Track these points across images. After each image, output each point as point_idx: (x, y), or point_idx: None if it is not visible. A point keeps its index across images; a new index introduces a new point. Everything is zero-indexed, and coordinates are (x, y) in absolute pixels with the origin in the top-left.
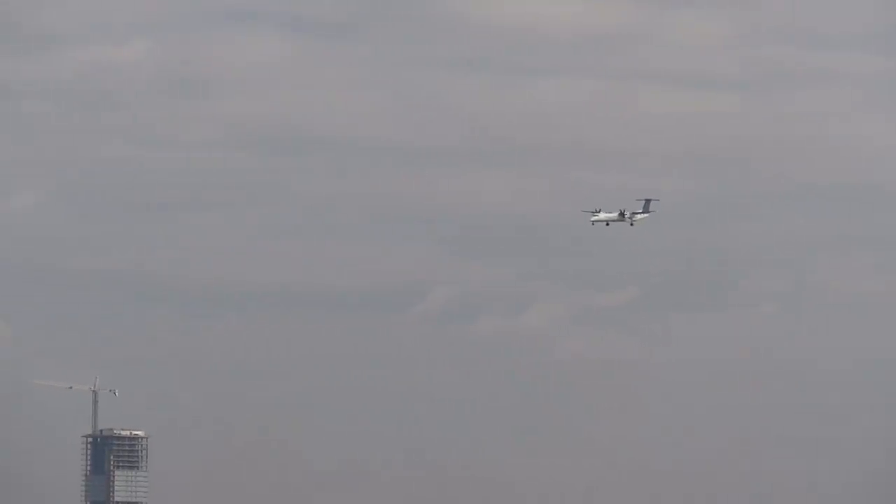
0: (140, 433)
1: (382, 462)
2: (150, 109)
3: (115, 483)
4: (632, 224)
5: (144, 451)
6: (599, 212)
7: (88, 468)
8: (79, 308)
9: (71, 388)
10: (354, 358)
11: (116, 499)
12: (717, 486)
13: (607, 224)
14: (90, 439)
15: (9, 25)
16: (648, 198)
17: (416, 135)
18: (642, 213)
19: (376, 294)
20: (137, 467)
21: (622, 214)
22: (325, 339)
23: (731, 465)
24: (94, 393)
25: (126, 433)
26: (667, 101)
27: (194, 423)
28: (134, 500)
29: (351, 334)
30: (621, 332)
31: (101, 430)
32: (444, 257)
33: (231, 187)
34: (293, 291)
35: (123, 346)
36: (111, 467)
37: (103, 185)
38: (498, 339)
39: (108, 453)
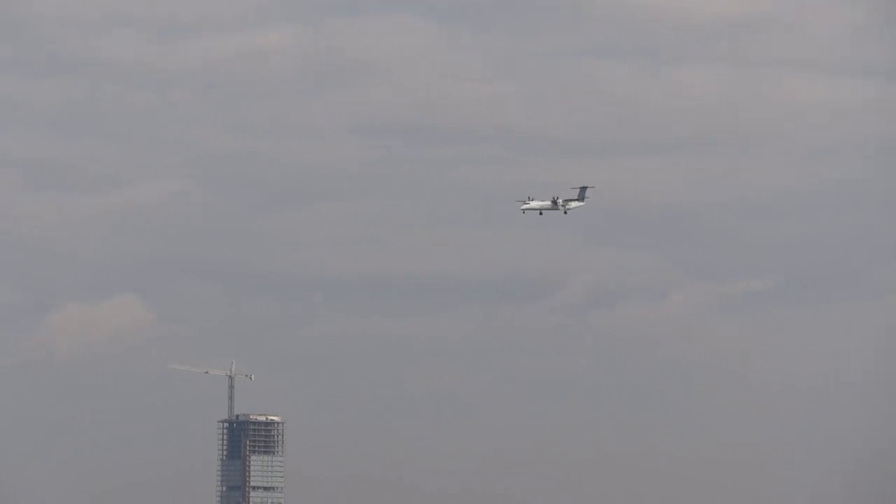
0: (276, 418)
1: (521, 450)
2: (293, 98)
3: (251, 468)
4: (565, 212)
5: (280, 436)
6: (532, 200)
7: (224, 453)
8: (217, 295)
9: (207, 372)
10: (494, 347)
11: (252, 483)
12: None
13: (540, 213)
14: (226, 424)
15: (151, 15)
16: (584, 185)
17: (560, 123)
18: (577, 200)
19: (517, 282)
20: (273, 452)
21: (554, 202)
22: (464, 328)
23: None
24: (231, 378)
25: (262, 418)
26: (813, 89)
27: (330, 409)
28: (269, 484)
29: (490, 323)
30: (762, 320)
31: (237, 415)
32: (585, 245)
33: (374, 177)
34: (433, 280)
35: (259, 331)
36: (247, 452)
37: (244, 175)
38: (638, 327)
39: (244, 438)
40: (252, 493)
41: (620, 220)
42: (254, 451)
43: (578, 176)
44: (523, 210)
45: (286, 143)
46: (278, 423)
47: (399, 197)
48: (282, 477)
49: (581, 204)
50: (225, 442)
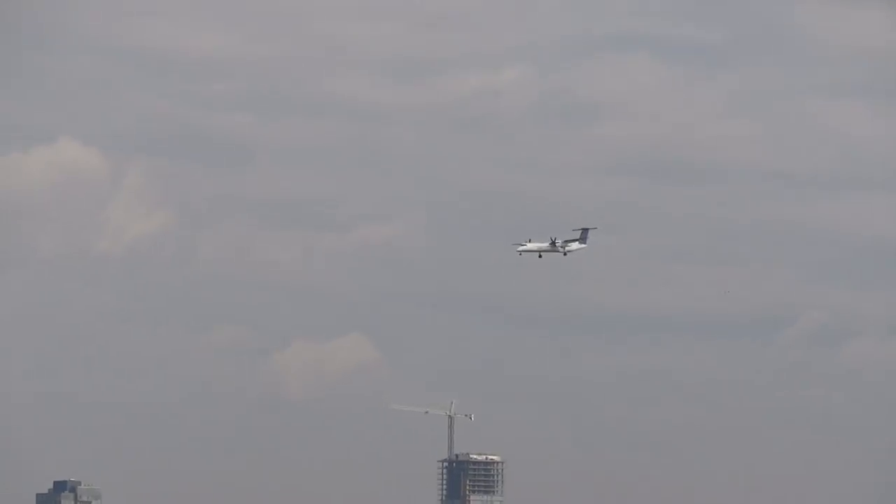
0: (496, 458)
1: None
2: (529, 135)
3: None
4: (564, 254)
5: (500, 476)
6: (530, 241)
7: (444, 492)
8: (441, 333)
9: (427, 412)
10: (726, 384)
11: None
12: None
13: (540, 255)
14: (446, 464)
15: (385, 56)
16: (586, 227)
17: (792, 160)
18: (577, 241)
19: (749, 319)
20: (493, 492)
21: (553, 243)
22: (698, 364)
23: None
24: (450, 418)
25: (481, 458)
26: None
27: (551, 449)
28: None
29: (723, 360)
30: None
31: (457, 455)
32: (816, 282)
33: (613, 213)
34: (667, 316)
35: (480, 370)
36: (466, 492)
37: (477, 211)
38: (865, 365)
39: (464, 478)
40: None
41: (851, 256)
42: (473, 491)
43: (806, 211)
44: (520, 252)
45: (523, 179)
46: (498, 462)
47: (636, 233)
48: None
49: (583, 246)
50: (445, 482)
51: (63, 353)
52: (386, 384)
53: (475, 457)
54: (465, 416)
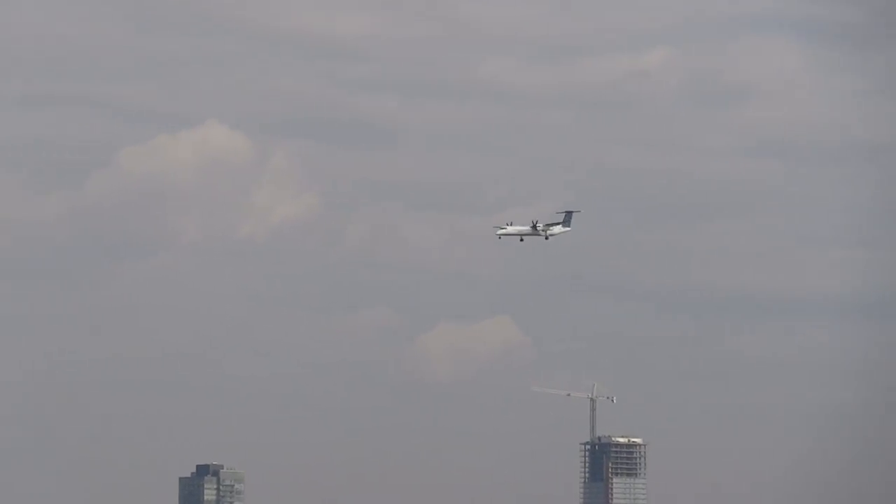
0: (638, 440)
1: None
2: (675, 117)
3: (613, 490)
4: (546, 238)
5: (642, 459)
6: (510, 225)
7: (587, 475)
8: (586, 315)
9: (569, 395)
10: (875, 364)
11: None
12: None
13: (521, 239)
14: (588, 446)
15: (531, 38)
16: (570, 210)
17: None
18: (561, 225)
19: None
20: (635, 474)
21: (534, 227)
22: (843, 345)
23: None
24: (592, 400)
25: (623, 440)
26: None
27: (691, 431)
28: None
29: (873, 340)
30: None
31: (599, 438)
32: None
33: (753, 195)
34: (813, 298)
35: (623, 353)
36: (609, 474)
37: (622, 193)
38: None
39: (606, 460)
40: None
41: None
42: (616, 474)
43: None
44: (499, 236)
45: (674, 160)
46: (640, 444)
47: (780, 215)
48: (644, 499)
49: (567, 229)
50: (587, 464)
51: (207, 337)
52: (530, 367)
53: (618, 439)
54: (607, 398)
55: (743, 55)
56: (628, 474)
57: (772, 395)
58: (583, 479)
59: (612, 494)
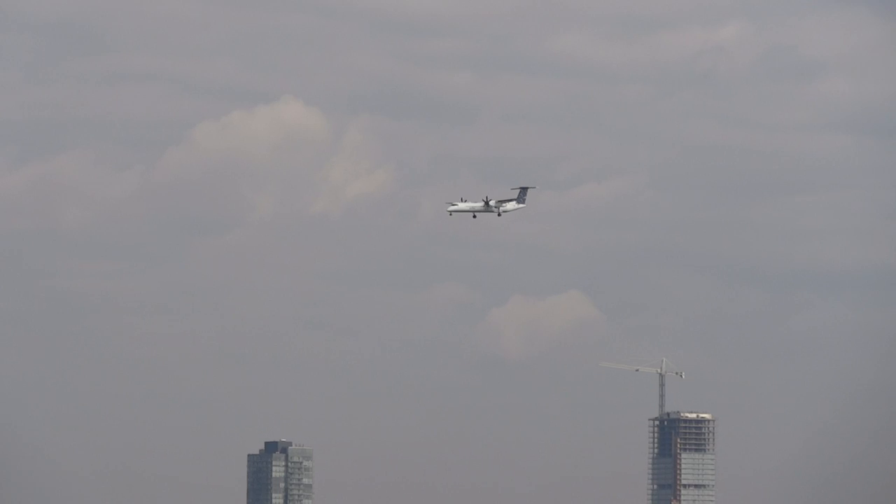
0: (707, 416)
1: None
2: (751, 92)
3: (682, 466)
4: (499, 214)
5: (711, 434)
6: (464, 201)
7: (655, 450)
8: (659, 290)
9: (638, 370)
10: None
11: (683, 481)
12: None
13: (474, 216)
14: (657, 422)
15: (606, 14)
16: (525, 185)
17: None
18: (514, 201)
19: None
20: (704, 450)
21: (487, 204)
22: None
23: None
24: (661, 376)
25: (692, 416)
26: None
27: (760, 406)
28: (700, 482)
29: None
30: None
31: (668, 413)
32: None
33: (827, 170)
34: (878, 273)
35: (692, 328)
36: (677, 450)
37: (695, 169)
38: None
39: (675, 436)
40: (683, 491)
41: None
42: (685, 450)
43: None
44: (450, 212)
45: (748, 135)
46: (709, 420)
47: (853, 189)
48: (713, 475)
49: (521, 206)
50: (656, 440)
51: (278, 313)
52: (601, 342)
53: (686, 415)
54: (676, 374)
55: (817, 29)
56: (697, 450)
57: (842, 370)
58: (651, 455)
59: (680, 470)
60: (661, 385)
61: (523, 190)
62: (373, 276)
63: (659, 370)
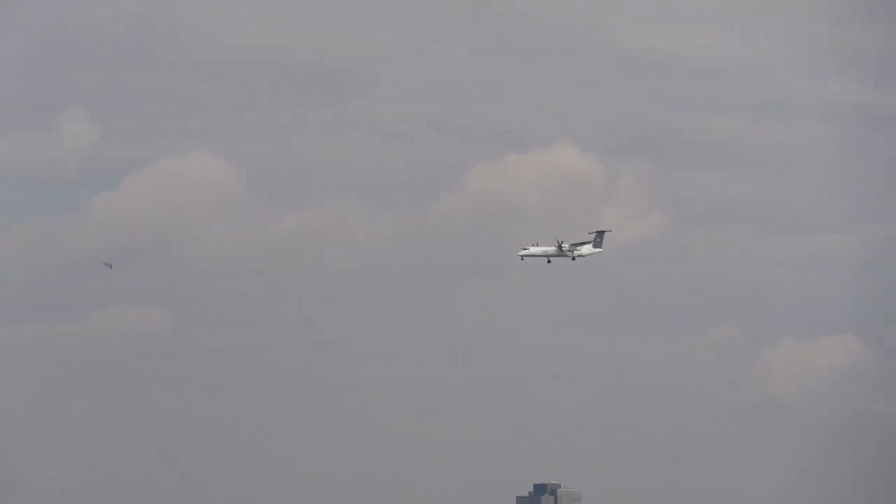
0: None
1: None
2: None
3: None
4: (573, 258)
5: None
6: (536, 245)
7: None
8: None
9: None
10: None
11: None
12: None
13: (549, 261)
14: None
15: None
16: (601, 230)
17: None
18: (589, 245)
19: None
20: None
21: (560, 247)
22: None
23: None
24: None
25: None
26: None
27: None
28: None
29: None
30: None
31: None
32: None
33: None
34: None
35: None
36: None
37: None
38: None
39: None
40: None
41: None
42: None
43: None
44: (521, 257)
45: None
46: None
47: None
48: None
49: (598, 250)
50: None
51: (548, 356)
52: (872, 386)
53: None
54: None
55: None
56: None
57: None
58: None
59: None
60: None
61: (600, 234)
62: (638, 321)
63: None
